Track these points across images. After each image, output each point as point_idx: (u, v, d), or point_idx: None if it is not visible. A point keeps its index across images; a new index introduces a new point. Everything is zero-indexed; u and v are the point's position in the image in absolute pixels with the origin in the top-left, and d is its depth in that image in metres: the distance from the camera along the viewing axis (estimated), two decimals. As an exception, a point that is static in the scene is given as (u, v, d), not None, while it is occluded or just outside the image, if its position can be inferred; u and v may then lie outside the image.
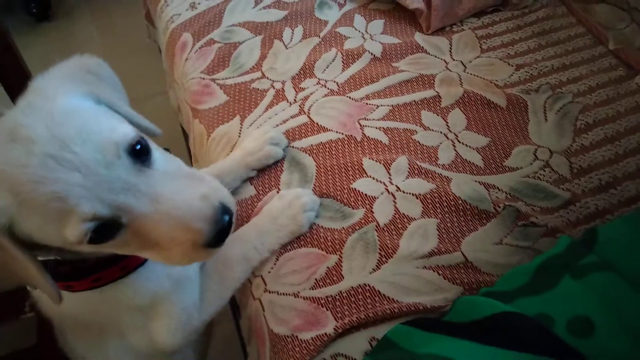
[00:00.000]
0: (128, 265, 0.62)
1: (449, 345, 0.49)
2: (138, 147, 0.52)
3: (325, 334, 0.64)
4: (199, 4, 1.11)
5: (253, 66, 0.98)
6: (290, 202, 0.75)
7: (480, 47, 1.00)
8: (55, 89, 0.53)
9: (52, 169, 0.46)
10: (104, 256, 0.59)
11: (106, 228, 0.50)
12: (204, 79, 0.97)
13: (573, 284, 0.49)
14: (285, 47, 1.01)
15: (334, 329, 0.64)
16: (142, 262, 0.63)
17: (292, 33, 1.03)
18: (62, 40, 2.25)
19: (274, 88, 0.93)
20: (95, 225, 0.48)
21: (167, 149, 0.65)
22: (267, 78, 0.95)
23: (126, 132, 0.52)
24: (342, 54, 0.98)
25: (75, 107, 0.51)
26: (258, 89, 0.94)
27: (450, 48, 0.99)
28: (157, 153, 0.55)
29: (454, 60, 0.97)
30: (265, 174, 0.83)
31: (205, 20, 1.07)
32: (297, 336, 0.65)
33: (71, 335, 0.74)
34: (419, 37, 1.02)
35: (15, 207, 0.47)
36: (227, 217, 0.54)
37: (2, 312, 1.33)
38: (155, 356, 0.76)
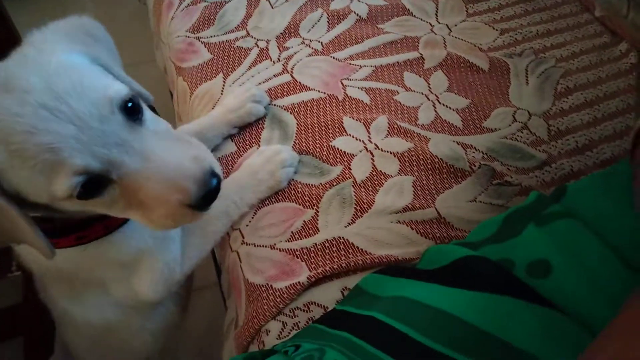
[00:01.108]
0: (111, 224, 0.62)
1: (413, 288, 0.50)
2: (130, 104, 0.52)
3: (299, 282, 0.65)
4: (185, -39, 1.10)
5: (238, 25, 0.97)
6: (269, 158, 0.75)
7: (467, 11, 1.00)
8: (51, 44, 0.53)
9: (46, 119, 0.46)
10: (88, 215, 0.60)
11: (95, 183, 0.50)
12: (188, 37, 0.97)
13: (536, 230, 0.50)
14: (271, 6, 1.00)
15: (307, 278, 0.66)
16: (126, 220, 0.64)
17: (279, -7, 1.03)
18: (53, 5, 2.22)
19: (258, 47, 0.93)
20: (85, 179, 0.48)
21: (152, 107, 0.66)
22: (252, 37, 0.95)
23: (119, 89, 0.52)
24: (327, 14, 0.98)
25: (71, 63, 0.51)
26: (242, 47, 0.94)
27: (437, 11, 0.99)
28: (148, 113, 0.55)
29: (439, 23, 0.97)
30: (246, 131, 0.83)
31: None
32: (271, 285, 0.67)
33: (53, 288, 0.76)
34: (405, 0, 1.01)
35: (5, 158, 0.47)
36: (215, 181, 0.54)
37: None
38: (137, 308, 0.77)
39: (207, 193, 0.53)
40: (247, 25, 0.97)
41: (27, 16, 2.04)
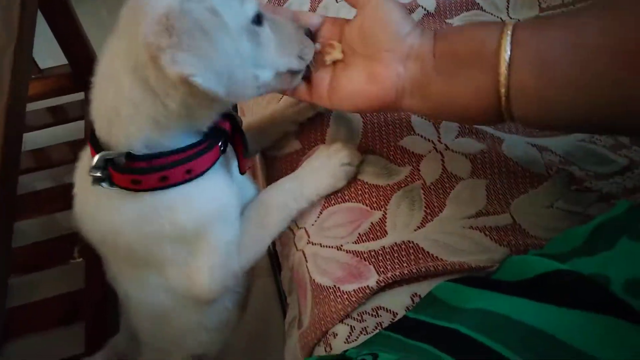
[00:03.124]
0: (193, 169, 0.63)
1: (499, 301, 0.48)
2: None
3: (368, 286, 0.64)
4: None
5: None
6: (329, 156, 0.75)
7: (539, 6, 0.95)
8: None
9: None
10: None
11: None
12: (252, 31, 0.97)
13: (632, 245, 0.47)
14: (336, 0, 0.98)
15: (377, 282, 0.64)
16: (205, 169, 0.65)
17: (343, -14, 1.01)
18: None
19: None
20: None
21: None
22: (316, 32, 0.94)
23: None
24: (393, 9, 0.95)
25: None
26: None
27: (508, 5, 0.95)
28: None
29: (511, 18, 0.93)
30: (311, 129, 0.82)
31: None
32: (339, 287, 0.66)
33: (116, 268, 0.77)
34: (474, -6, 0.98)
35: None
36: None
37: (52, 256, 1.40)
38: (192, 301, 0.77)
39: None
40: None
41: (85, 6, 2.09)
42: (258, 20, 0.60)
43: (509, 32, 0.51)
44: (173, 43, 0.50)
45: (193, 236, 0.68)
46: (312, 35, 0.67)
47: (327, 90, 0.65)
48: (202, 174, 0.64)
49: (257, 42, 0.60)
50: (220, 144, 0.66)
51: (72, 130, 1.67)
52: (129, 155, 0.59)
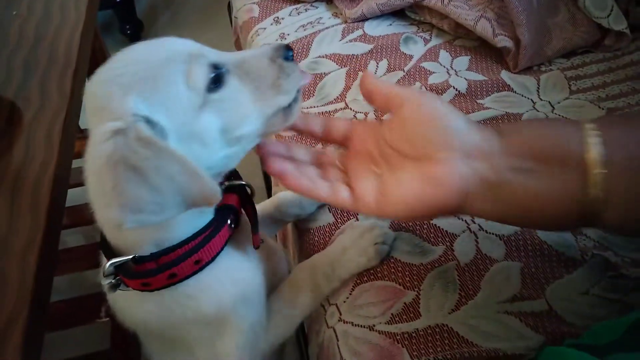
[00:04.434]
0: (201, 258, 0.61)
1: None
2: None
3: (401, 371, 0.63)
4: (288, 34, 1.16)
5: (337, 97, 1.00)
6: (362, 234, 0.75)
7: (570, 88, 0.97)
8: None
9: None
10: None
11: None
12: (289, 106, 1.00)
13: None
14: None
15: (410, 366, 0.64)
16: (214, 255, 0.63)
17: (377, 66, 1.05)
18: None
19: (356, 119, 0.95)
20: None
21: (248, 185, 0.69)
22: (351, 109, 0.97)
23: None
24: (426, 88, 0.99)
25: None
26: (341, 118, 0.95)
27: (538, 88, 0.98)
28: None
29: (541, 100, 0.95)
30: (344, 203, 0.84)
31: (294, 51, 1.11)
32: (371, 370, 0.65)
33: (146, 344, 0.77)
34: (505, 75, 1.01)
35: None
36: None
37: (78, 314, 1.41)
38: None
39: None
40: (346, 97, 1.00)
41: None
42: (217, 80, 0.56)
43: (597, 131, 0.47)
44: (106, 194, 0.50)
45: (217, 319, 0.67)
46: (292, 54, 0.63)
47: (374, 198, 0.57)
48: (212, 260, 0.62)
49: (222, 107, 0.56)
50: (229, 221, 0.64)
51: (107, 189, 1.72)
52: (136, 259, 0.58)
